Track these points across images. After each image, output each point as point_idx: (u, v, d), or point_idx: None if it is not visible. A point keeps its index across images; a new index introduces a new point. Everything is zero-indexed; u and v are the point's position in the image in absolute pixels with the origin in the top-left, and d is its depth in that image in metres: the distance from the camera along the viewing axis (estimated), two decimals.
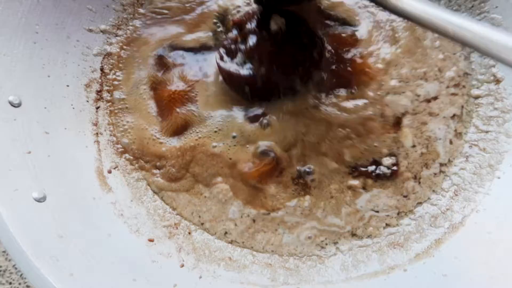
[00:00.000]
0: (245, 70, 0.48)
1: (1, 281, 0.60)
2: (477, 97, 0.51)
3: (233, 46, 0.50)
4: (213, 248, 0.46)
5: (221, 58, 0.49)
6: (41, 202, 0.40)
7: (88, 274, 0.37)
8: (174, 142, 0.50)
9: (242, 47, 0.49)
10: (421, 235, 0.46)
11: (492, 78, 0.51)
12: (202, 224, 0.47)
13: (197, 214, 0.48)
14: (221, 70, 0.50)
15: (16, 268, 0.62)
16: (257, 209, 0.47)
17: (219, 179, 0.48)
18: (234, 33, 0.50)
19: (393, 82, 0.51)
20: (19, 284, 0.60)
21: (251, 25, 0.50)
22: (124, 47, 0.55)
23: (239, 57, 0.49)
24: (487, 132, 0.49)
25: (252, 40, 0.49)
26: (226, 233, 0.47)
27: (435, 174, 0.49)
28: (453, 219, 0.46)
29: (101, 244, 0.41)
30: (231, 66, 0.49)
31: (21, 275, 0.61)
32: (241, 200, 0.48)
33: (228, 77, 0.49)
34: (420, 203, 0.48)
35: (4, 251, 0.62)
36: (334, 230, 0.47)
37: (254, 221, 0.47)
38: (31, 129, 0.44)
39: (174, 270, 0.43)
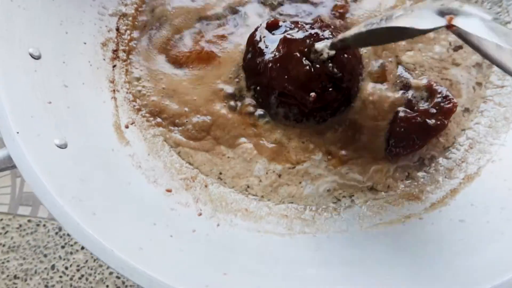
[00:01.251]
0: (268, 55, 0.47)
1: (15, 256, 0.62)
2: None
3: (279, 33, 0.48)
4: (229, 200, 0.47)
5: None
6: (62, 148, 0.40)
7: (110, 214, 0.38)
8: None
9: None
10: (436, 186, 0.46)
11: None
12: (221, 179, 0.48)
13: (218, 171, 0.48)
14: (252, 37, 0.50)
15: (29, 244, 0.63)
16: (282, 164, 0.47)
17: (243, 139, 0.49)
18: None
19: None
20: (33, 259, 0.62)
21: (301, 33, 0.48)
22: (139, 8, 0.55)
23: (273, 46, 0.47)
24: (502, 87, 0.49)
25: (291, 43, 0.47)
26: (248, 187, 0.48)
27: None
28: (468, 170, 0.46)
29: (122, 190, 0.42)
30: (262, 43, 0.48)
31: (34, 250, 0.62)
32: (265, 158, 0.48)
33: (252, 46, 0.49)
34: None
35: (18, 227, 0.64)
36: (353, 184, 0.47)
37: (279, 176, 0.47)
38: (51, 81, 0.44)
39: (192, 218, 0.43)
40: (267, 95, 0.48)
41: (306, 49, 0.46)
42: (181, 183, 0.47)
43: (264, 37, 0.49)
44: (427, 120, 0.45)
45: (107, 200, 0.39)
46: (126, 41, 0.54)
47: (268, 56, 0.47)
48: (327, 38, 0.46)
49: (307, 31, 0.47)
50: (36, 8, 0.46)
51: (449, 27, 0.32)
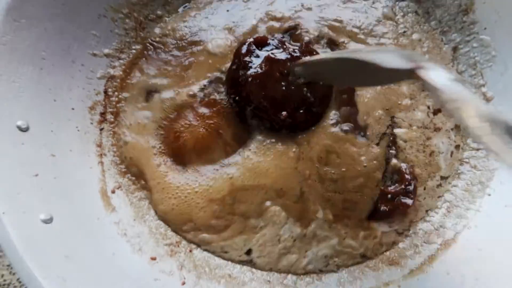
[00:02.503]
0: (253, 69, 0.50)
1: None
2: None
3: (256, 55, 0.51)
4: (213, 265, 0.48)
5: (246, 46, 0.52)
6: (48, 223, 0.41)
7: None
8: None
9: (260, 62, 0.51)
10: (415, 251, 0.47)
11: (482, 97, 0.52)
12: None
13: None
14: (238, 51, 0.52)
15: (20, 282, 0.63)
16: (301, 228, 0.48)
17: (268, 203, 0.49)
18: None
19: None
20: None
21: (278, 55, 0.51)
22: (127, 70, 0.57)
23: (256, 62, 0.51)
24: (478, 149, 0.51)
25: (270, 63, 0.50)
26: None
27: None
28: (446, 235, 0.47)
29: (106, 263, 0.42)
30: (247, 57, 0.51)
31: None
32: (292, 217, 0.48)
33: (238, 57, 0.52)
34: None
35: (8, 265, 0.64)
36: (348, 251, 0.48)
37: (294, 241, 0.48)
38: (38, 152, 0.45)
39: None
40: (244, 106, 0.51)
41: (285, 71, 0.49)
42: (166, 249, 0.48)
43: (250, 51, 0.52)
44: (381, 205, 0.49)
45: (91, 277, 0.40)
46: (114, 102, 0.55)
47: (251, 70, 0.50)
48: None
49: (290, 54, 0.51)
50: (25, 79, 0.47)
51: (413, 72, 0.32)
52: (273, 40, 0.54)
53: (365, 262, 0.48)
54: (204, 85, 0.54)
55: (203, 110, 0.53)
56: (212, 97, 0.54)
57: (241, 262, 0.48)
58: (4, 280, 0.63)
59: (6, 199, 0.39)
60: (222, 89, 0.54)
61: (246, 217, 0.48)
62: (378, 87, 0.52)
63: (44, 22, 0.48)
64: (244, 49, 0.53)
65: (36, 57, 0.48)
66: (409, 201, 0.47)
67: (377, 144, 0.50)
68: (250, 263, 0.48)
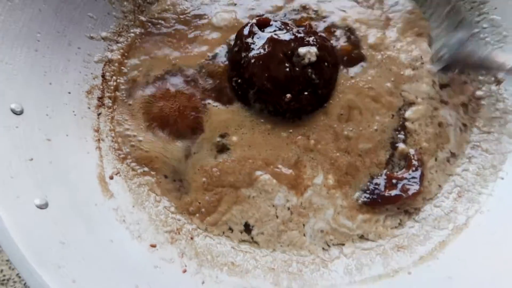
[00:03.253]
0: (255, 51, 0.49)
1: None
2: (478, 99, 0.51)
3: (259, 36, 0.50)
4: (215, 253, 0.46)
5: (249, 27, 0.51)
6: (43, 209, 0.40)
7: (91, 280, 0.37)
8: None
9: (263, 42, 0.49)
10: (425, 237, 0.45)
11: (493, 79, 0.51)
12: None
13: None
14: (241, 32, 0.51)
15: (20, 277, 0.62)
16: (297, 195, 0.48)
17: (258, 173, 0.48)
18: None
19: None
20: None
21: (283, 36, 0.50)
22: (125, 54, 0.55)
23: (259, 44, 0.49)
24: (489, 133, 0.49)
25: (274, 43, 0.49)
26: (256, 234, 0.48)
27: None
28: (457, 220, 0.45)
29: (103, 250, 0.41)
30: (249, 38, 0.50)
31: (24, 284, 0.61)
32: (285, 186, 0.48)
33: (240, 38, 0.50)
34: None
35: (7, 260, 0.62)
36: (344, 231, 0.47)
37: (291, 213, 0.47)
38: (33, 136, 0.44)
39: (176, 276, 0.42)
40: (247, 89, 0.49)
41: (289, 52, 0.48)
42: (166, 236, 0.46)
43: (252, 33, 0.50)
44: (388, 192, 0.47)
45: (88, 263, 0.38)
46: (112, 87, 0.53)
47: (253, 52, 0.49)
48: (311, 45, 0.48)
49: (294, 34, 0.49)
50: (19, 60, 0.45)
51: None
52: (276, 21, 0.52)
53: (373, 247, 0.46)
54: (209, 57, 0.53)
55: (205, 83, 0.52)
56: (215, 69, 0.53)
57: (244, 242, 0.47)
58: (4, 275, 0.62)
59: None
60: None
61: (236, 187, 0.48)
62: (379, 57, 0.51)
63: (38, 3, 0.47)
64: (246, 30, 0.51)
65: (30, 38, 0.47)
66: (415, 187, 0.46)
67: (392, 117, 0.49)
68: (252, 242, 0.47)
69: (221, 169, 0.48)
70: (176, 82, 0.53)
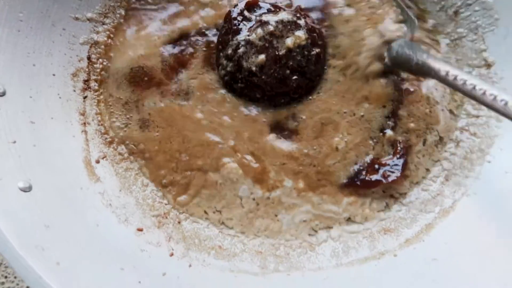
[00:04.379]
0: (242, 35, 0.48)
1: None
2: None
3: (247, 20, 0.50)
4: (203, 237, 0.46)
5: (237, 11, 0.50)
6: (26, 192, 0.39)
7: (75, 263, 0.37)
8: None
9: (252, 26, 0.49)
10: (412, 220, 0.46)
11: (483, 62, 0.50)
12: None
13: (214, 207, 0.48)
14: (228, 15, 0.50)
15: None
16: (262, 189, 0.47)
17: (226, 159, 0.48)
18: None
19: None
20: (15, 277, 0.60)
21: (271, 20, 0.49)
22: (111, 36, 0.54)
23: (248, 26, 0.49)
24: (477, 117, 0.49)
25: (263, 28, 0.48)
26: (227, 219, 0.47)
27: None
28: (444, 203, 0.46)
29: (89, 233, 0.40)
30: (237, 21, 0.49)
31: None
32: (250, 178, 0.47)
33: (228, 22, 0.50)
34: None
35: None
36: (330, 215, 0.47)
37: (257, 204, 0.47)
38: (16, 119, 0.43)
39: (163, 259, 0.42)
40: (234, 72, 0.49)
41: (278, 35, 0.47)
42: (153, 220, 0.46)
43: (241, 15, 0.49)
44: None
45: (73, 246, 0.38)
46: (98, 70, 0.52)
47: (241, 34, 0.48)
48: (301, 28, 0.48)
49: (283, 17, 0.48)
50: (0, 40, 0.44)
51: None
52: (265, 3, 0.51)
53: (360, 230, 0.46)
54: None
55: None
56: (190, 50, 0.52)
57: (223, 225, 0.47)
58: None
59: None
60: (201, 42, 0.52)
61: (204, 171, 0.48)
62: None
63: None
64: (234, 12, 0.50)
65: (12, 18, 0.45)
66: (396, 174, 0.46)
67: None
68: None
69: (190, 153, 0.48)
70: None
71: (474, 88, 0.39)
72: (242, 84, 0.49)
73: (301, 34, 0.48)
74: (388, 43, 0.49)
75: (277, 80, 0.47)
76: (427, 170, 0.48)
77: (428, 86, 0.50)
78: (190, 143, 0.49)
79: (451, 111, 0.50)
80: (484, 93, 0.38)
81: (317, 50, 0.49)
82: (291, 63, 0.47)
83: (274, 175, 0.47)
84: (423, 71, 0.45)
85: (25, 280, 0.34)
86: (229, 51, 0.49)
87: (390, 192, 0.47)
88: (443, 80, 0.43)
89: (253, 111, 0.50)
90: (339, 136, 0.48)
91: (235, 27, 0.49)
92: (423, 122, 0.49)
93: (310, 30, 0.49)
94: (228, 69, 0.49)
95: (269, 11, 0.50)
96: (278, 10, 0.51)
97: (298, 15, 0.50)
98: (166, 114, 0.50)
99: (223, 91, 0.50)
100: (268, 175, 0.47)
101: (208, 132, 0.49)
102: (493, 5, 0.49)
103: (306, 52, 0.48)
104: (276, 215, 0.47)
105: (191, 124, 0.49)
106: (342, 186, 0.47)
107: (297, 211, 0.47)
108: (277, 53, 0.47)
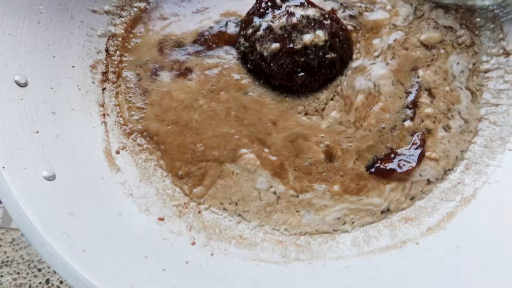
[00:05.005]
0: (265, 19, 0.49)
1: (9, 271, 0.61)
2: (486, 71, 0.50)
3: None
4: (223, 226, 0.46)
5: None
6: (50, 180, 0.39)
7: (101, 250, 0.37)
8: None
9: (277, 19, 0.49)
10: (433, 209, 0.46)
11: (501, 51, 0.50)
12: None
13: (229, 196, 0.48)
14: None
15: (23, 259, 0.63)
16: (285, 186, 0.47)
17: (243, 150, 0.48)
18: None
19: None
20: (27, 274, 0.61)
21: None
22: (129, 28, 0.54)
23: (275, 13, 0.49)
24: (497, 105, 0.49)
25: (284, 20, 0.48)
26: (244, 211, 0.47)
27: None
28: (465, 192, 0.45)
29: (112, 222, 0.41)
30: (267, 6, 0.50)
31: (28, 265, 0.61)
32: (268, 171, 0.47)
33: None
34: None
35: (11, 242, 0.63)
36: (369, 208, 0.47)
37: (278, 198, 0.47)
38: (38, 109, 0.43)
39: (185, 248, 0.42)
40: (249, 52, 0.49)
41: (300, 29, 0.47)
42: (173, 210, 0.46)
43: (273, 1, 0.50)
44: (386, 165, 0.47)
45: (97, 234, 0.38)
46: (116, 62, 0.53)
47: (265, 18, 0.49)
48: (325, 29, 0.48)
49: (311, 14, 0.48)
50: (21, 33, 0.45)
51: None
52: None
53: (383, 220, 0.46)
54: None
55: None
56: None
57: (240, 217, 0.47)
58: (7, 257, 0.62)
59: (6, 154, 0.38)
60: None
61: (220, 162, 0.48)
62: None
63: None
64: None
65: (32, 10, 0.46)
66: (411, 164, 0.46)
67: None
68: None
69: (206, 144, 0.48)
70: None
71: None
72: (251, 66, 0.50)
73: (321, 34, 0.47)
74: None
75: (285, 73, 0.48)
76: (456, 157, 0.48)
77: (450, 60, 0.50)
78: (205, 134, 0.49)
79: (471, 91, 0.49)
80: None
81: (333, 55, 0.48)
82: (302, 59, 0.47)
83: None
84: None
85: (52, 266, 0.34)
86: (249, 31, 0.49)
87: (426, 177, 0.47)
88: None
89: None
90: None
91: (262, 10, 0.50)
92: (444, 103, 0.48)
93: (333, 34, 0.48)
94: (242, 48, 0.50)
95: (301, 4, 0.50)
96: (310, 6, 0.50)
97: (327, 15, 0.49)
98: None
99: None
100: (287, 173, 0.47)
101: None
102: None
103: (321, 53, 0.48)
104: (298, 211, 0.47)
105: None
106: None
107: (330, 211, 0.47)
108: (292, 46, 0.47)
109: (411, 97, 0.49)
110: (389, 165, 0.47)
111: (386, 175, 0.47)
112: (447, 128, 0.48)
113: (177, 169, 0.48)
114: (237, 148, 0.48)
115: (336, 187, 0.46)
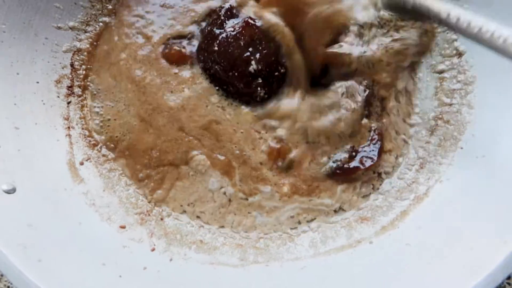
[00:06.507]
0: (228, 29, 0.50)
1: None
2: (441, 72, 0.51)
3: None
4: (184, 232, 0.47)
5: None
6: (10, 193, 0.41)
7: (57, 260, 0.38)
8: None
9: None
10: (388, 208, 0.47)
11: (454, 52, 0.51)
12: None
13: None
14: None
15: None
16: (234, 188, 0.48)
17: (194, 152, 0.49)
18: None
19: None
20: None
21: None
22: (94, 43, 0.56)
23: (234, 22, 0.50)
24: (450, 105, 0.50)
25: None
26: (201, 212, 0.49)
27: None
28: (418, 190, 0.46)
29: (71, 232, 0.42)
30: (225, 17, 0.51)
31: None
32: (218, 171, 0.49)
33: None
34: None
35: None
36: (320, 208, 0.48)
37: (229, 200, 0.48)
38: (1, 125, 0.45)
39: (144, 254, 0.44)
40: (210, 62, 0.50)
41: (257, 39, 0.48)
42: (136, 218, 0.47)
43: (230, 11, 0.51)
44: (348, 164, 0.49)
45: (55, 244, 0.39)
46: (82, 76, 0.54)
47: (224, 29, 0.50)
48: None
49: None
50: None
51: None
52: None
53: (338, 220, 0.47)
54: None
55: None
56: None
57: (199, 219, 0.48)
58: None
59: None
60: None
61: (176, 165, 0.49)
62: None
63: None
64: (225, 6, 0.52)
65: None
66: (371, 160, 0.47)
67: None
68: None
69: (160, 149, 0.50)
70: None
71: (480, 30, 0.34)
72: (213, 73, 0.51)
73: None
74: None
75: (243, 81, 0.49)
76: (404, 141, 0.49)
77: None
78: (160, 139, 0.50)
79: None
80: (492, 35, 0.34)
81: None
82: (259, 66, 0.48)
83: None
84: (421, 14, 0.41)
85: (6, 276, 0.35)
86: (209, 41, 0.50)
87: (378, 170, 0.49)
88: (444, 23, 0.39)
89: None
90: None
91: (221, 21, 0.51)
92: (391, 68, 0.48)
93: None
94: (204, 58, 0.51)
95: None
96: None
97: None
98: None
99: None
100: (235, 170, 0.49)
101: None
102: None
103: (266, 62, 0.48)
104: (249, 212, 0.48)
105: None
106: (329, 176, 0.48)
107: (281, 211, 0.48)
108: (249, 54, 0.48)
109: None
110: (352, 164, 0.48)
111: (351, 173, 0.48)
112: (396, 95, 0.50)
113: (138, 172, 0.50)
114: (189, 150, 0.49)
115: (285, 189, 0.48)
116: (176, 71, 0.52)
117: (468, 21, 0.36)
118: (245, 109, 0.50)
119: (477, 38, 0.35)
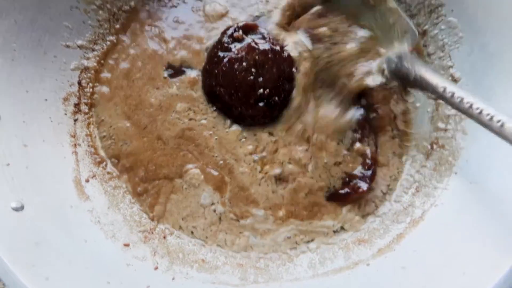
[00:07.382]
0: (231, 52, 0.51)
1: None
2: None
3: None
4: (186, 251, 0.48)
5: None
6: (18, 211, 0.42)
7: (63, 278, 0.39)
8: None
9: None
10: (385, 231, 0.48)
11: (450, 78, 0.53)
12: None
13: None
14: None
15: None
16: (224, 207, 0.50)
17: (189, 166, 0.51)
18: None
19: None
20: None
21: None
22: (101, 61, 0.57)
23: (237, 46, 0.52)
24: (446, 130, 0.51)
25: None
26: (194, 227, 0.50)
27: None
28: (414, 214, 0.48)
29: (77, 249, 0.43)
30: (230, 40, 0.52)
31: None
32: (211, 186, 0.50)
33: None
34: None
35: None
36: (320, 230, 0.49)
37: (219, 219, 0.50)
38: (10, 142, 0.46)
39: (148, 273, 0.45)
40: (211, 86, 0.52)
41: (261, 62, 0.50)
42: (139, 236, 0.48)
43: (235, 34, 0.52)
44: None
45: (62, 262, 0.40)
46: (89, 94, 0.56)
47: (229, 53, 0.51)
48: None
49: (271, 45, 0.51)
50: None
51: None
52: (263, 31, 0.54)
53: (337, 241, 0.48)
54: None
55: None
56: None
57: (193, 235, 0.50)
58: None
59: None
60: None
61: (170, 179, 0.51)
62: None
63: (13, 14, 0.49)
64: (230, 30, 0.53)
65: (6, 49, 0.49)
66: (364, 186, 0.49)
67: None
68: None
69: (156, 163, 0.51)
70: None
71: (471, 106, 0.39)
72: (215, 96, 0.52)
73: None
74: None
75: (247, 103, 0.50)
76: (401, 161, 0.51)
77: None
78: (156, 153, 0.52)
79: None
80: (480, 112, 0.38)
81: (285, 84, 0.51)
82: (259, 91, 0.50)
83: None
84: (422, 86, 0.45)
85: None
86: (213, 64, 0.52)
87: (379, 188, 0.50)
88: (440, 96, 0.43)
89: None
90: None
91: (225, 44, 0.52)
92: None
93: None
94: (208, 80, 0.52)
95: (263, 37, 0.53)
96: (270, 39, 0.52)
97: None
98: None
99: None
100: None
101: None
102: (457, 24, 0.52)
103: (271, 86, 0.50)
104: (241, 232, 0.49)
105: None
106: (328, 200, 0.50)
107: (277, 234, 0.49)
108: (252, 78, 0.50)
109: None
110: (345, 189, 0.49)
111: (344, 200, 0.49)
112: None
113: (137, 186, 0.51)
114: (184, 164, 0.51)
115: (281, 213, 0.49)
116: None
117: (460, 97, 0.41)
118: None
119: (467, 112, 0.40)
